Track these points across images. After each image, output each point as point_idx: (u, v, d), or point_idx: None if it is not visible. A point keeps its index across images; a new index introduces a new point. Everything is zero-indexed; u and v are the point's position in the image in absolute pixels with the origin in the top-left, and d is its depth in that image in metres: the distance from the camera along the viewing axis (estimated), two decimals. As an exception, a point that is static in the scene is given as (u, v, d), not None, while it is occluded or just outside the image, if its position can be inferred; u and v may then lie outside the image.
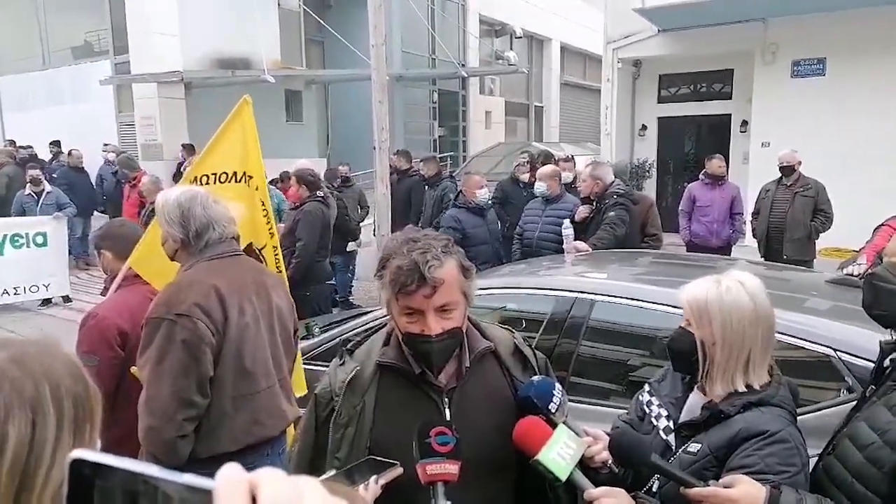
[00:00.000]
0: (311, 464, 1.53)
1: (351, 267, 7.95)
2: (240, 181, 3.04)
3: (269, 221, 3.14)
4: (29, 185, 8.47)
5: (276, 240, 3.19)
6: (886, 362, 1.50)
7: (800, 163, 6.27)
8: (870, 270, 1.47)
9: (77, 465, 0.39)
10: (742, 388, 1.52)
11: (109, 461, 0.38)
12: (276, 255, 3.17)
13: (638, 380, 2.68)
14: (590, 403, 2.75)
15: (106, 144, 12.13)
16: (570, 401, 2.62)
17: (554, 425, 1.42)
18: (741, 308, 1.52)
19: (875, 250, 4.03)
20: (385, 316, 1.59)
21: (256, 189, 3.08)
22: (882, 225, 4.32)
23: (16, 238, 7.82)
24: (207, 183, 2.97)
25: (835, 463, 1.45)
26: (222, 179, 3.01)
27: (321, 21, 14.46)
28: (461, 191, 5.85)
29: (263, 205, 3.12)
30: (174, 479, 0.37)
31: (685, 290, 1.60)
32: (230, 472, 0.37)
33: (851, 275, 3.41)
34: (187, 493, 0.37)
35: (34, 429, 0.83)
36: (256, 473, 0.38)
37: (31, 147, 12.13)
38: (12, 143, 12.91)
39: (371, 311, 4.06)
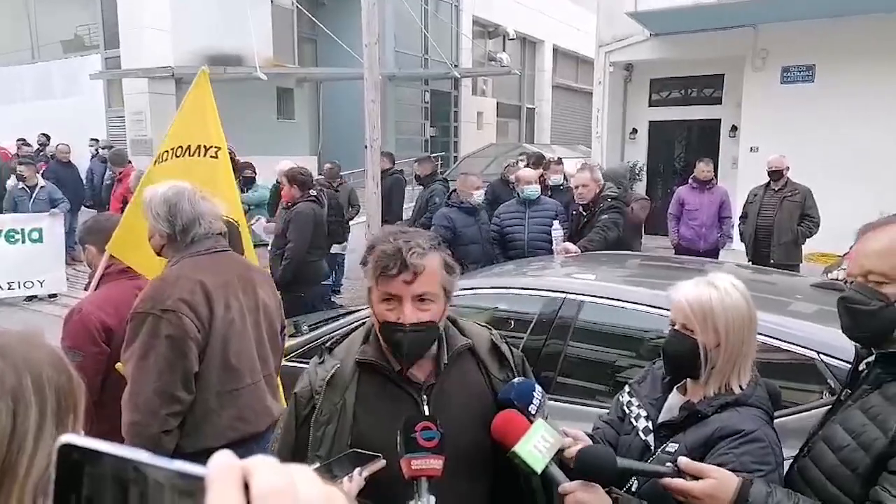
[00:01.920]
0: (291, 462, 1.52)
1: (335, 267, 7.92)
2: (194, 154, 2.94)
3: (233, 194, 3.07)
4: (19, 180, 8.40)
5: (241, 215, 3.12)
6: (862, 366, 1.52)
7: (787, 168, 6.33)
8: (840, 294, 1.46)
9: (66, 449, 0.38)
10: (737, 390, 1.55)
11: (99, 446, 0.38)
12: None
13: (625, 380, 2.69)
14: (577, 403, 2.76)
15: (93, 139, 12.05)
16: (558, 401, 2.64)
17: (532, 419, 1.44)
18: (741, 311, 1.54)
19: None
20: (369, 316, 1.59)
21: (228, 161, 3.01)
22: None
23: (11, 233, 7.77)
24: (166, 160, 2.91)
25: (809, 465, 1.47)
26: (178, 153, 2.94)
27: (314, 19, 14.43)
28: (454, 190, 5.85)
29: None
30: (165, 465, 0.37)
31: (681, 292, 1.59)
32: (223, 459, 0.37)
33: (837, 279, 3.44)
34: (179, 480, 0.36)
35: (15, 418, 0.83)
36: (249, 460, 0.38)
37: (23, 139, 12.01)
38: None
39: (359, 310, 4.05)
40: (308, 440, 1.48)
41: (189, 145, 2.94)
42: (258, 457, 0.38)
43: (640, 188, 11.90)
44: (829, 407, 1.59)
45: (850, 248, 4.36)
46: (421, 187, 8.05)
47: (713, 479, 1.34)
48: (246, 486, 0.36)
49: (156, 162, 2.99)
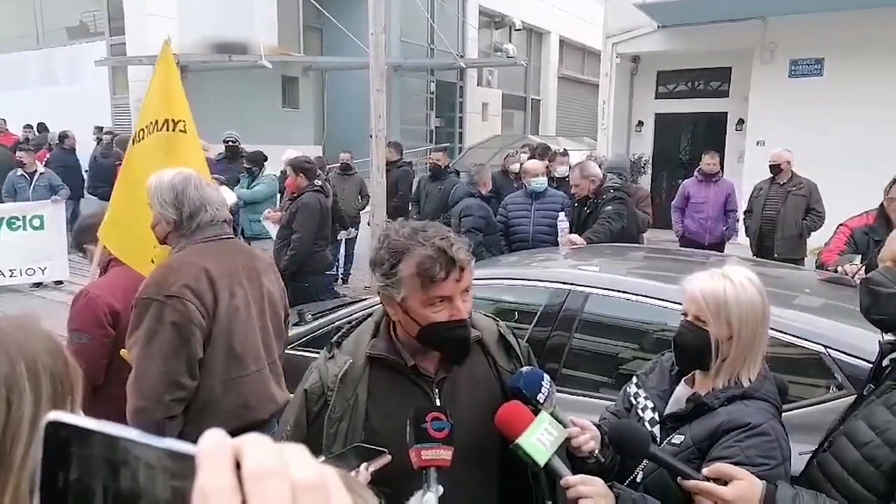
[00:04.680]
0: None
1: (337, 256, 7.90)
2: (162, 128, 2.84)
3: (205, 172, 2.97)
4: (19, 166, 8.39)
5: None
6: (886, 362, 1.51)
7: (788, 162, 6.25)
8: (866, 275, 1.48)
9: (53, 427, 0.37)
10: (746, 383, 1.54)
11: (87, 424, 0.37)
12: None
13: (630, 373, 2.69)
14: (582, 395, 2.75)
15: (98, 127, 12.02)
16: (563, 393, 2.63)
17: (538, 412, 1.43)
18: (755, 306, 1.53)
19: (835, 253, 3.99)
20: (378, 304, 1.58)
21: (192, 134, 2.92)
22: (841, 226, 4.28)
23: (13, 221, 7.78)
24: (143, 138, 2.84)
25: (831, 460, 1.46)
26: (151, 130, 2.86)
27: (320, 7, 14.34)
28: (473, 182, 5.94)
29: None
30: (155, 443, 0.36)
31: (695, 284, 1.58)
32: (214, 438, 0.36)
33: (845, 273, 3.42)
34: (169, 460, 0.36)
35: (9, 407, 0.81)
36: (241, 439, 0.36)
37: (30, 127, 12.01)
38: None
39: (364, 300, 4.05)
40: (320, 437, 1.46)
41: (157, 120, 2.85)
42: (250, 435, 0.37)
43: (645, 181, 11.86)
44: (852, 402, 1.58)
45: (825, 245, 4.31)
46: (433, 180, 7.71)
47: (744, 482, 1.32)
48: (238, 466, 0.35)
49: (134, 141, 2.93)
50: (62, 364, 0.89)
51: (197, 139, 3.02)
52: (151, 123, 2.86)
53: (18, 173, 8.32)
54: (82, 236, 2.81)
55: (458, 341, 1.44)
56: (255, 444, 0.36)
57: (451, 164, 8.40)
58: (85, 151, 11.04)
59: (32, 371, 0.85)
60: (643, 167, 11.97)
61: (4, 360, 0.84)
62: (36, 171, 8.35)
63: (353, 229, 7.95)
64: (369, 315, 1.64)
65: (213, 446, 0.35)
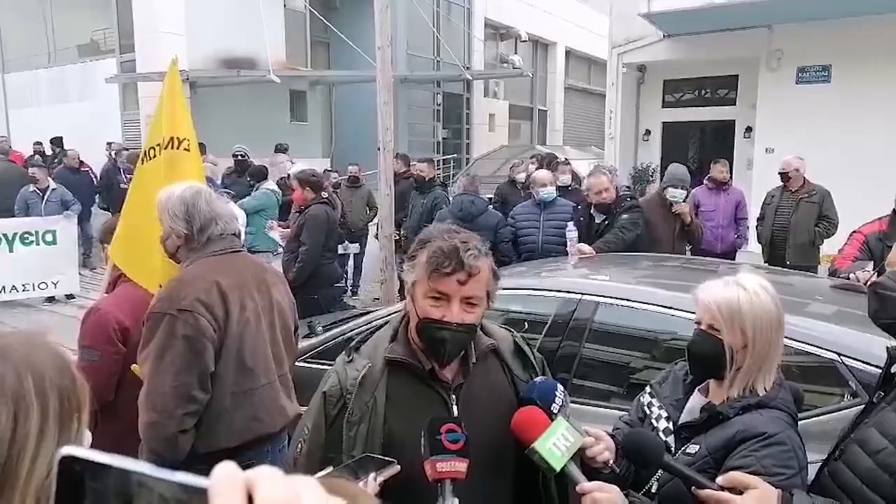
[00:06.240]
0: (321, 463, 1.50)
1: (346, 268, 7.90)
2: (167, 146, 2.84)
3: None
4: (31, 183, 8.48)
5: None
6: (895, 368, 1.49)
7: (797, 169, 6.21)
8: (874, 279, 1.48)
9: (67, 461, 0.37)
10: (761, 392, 1.53)
11: (100, 458, 0.37)
12: None
13: (641, 382, 2.67)
14: (592, 405, 2.73)
15: (109, 143, 12.16)
16: (574, 402, 2.62)
17: (553, 418, 1.43)
18: (769, 314, 1.52)
19: (848, 259, 3.96)
20: (388, 315, 1.59)
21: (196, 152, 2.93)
22: (855, 232, 4.25)
23: (26, 236, 7.91)
24: (153, 157, 2.85)
25: (842, 468, 1.44)
26: (159, 150, 2.85)
27: (327, 22, 14.50)
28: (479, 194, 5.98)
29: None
30: (167, 477, 0.36)
31: (709, 292, 1.57)
32: (226, 471, 0.36)
33: (857, 280, 3.39)
34: (182, 493, 0.36)
35: (16, 421, 0.81)
36: (253, 472, 0.37)
37: (40, 143, 12.14)
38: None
39: (373, 311, 4.05)
40: (337, 439, 1.47)
41: (163, 138, 2.87)
42: (262, 468, 0.37)
43: (654, 190, 11.82)
44: (862, 409, 1.57)
45: (839, 251, 4.29)
46: (416, 191, 7.63)
47: (759, 490, 1.31)
48: (250, 499, 0.35)
49: (143, 160, 2.95)
50: (70, 380, 0.89)
51: (199, 158, 3.04)
52: (159, 142, 2.89)
53: (31, 189, 8.40)
54: (108, 234, 2.84)
55: (438, 342, 1.44)
56: (266, 477, 0.36)
57: (439, 178, 8.42)
58: (97, 168, 11.15)
59: (40, 387, 0.85)
60: (651, 176, 11.95)
61: (12, 375, 0.84)
62: (48, 187, 8.44)
63: (351, 244, 7.89)
64: (384, 323, 1.65)
65: (225, 479, 0.36)
